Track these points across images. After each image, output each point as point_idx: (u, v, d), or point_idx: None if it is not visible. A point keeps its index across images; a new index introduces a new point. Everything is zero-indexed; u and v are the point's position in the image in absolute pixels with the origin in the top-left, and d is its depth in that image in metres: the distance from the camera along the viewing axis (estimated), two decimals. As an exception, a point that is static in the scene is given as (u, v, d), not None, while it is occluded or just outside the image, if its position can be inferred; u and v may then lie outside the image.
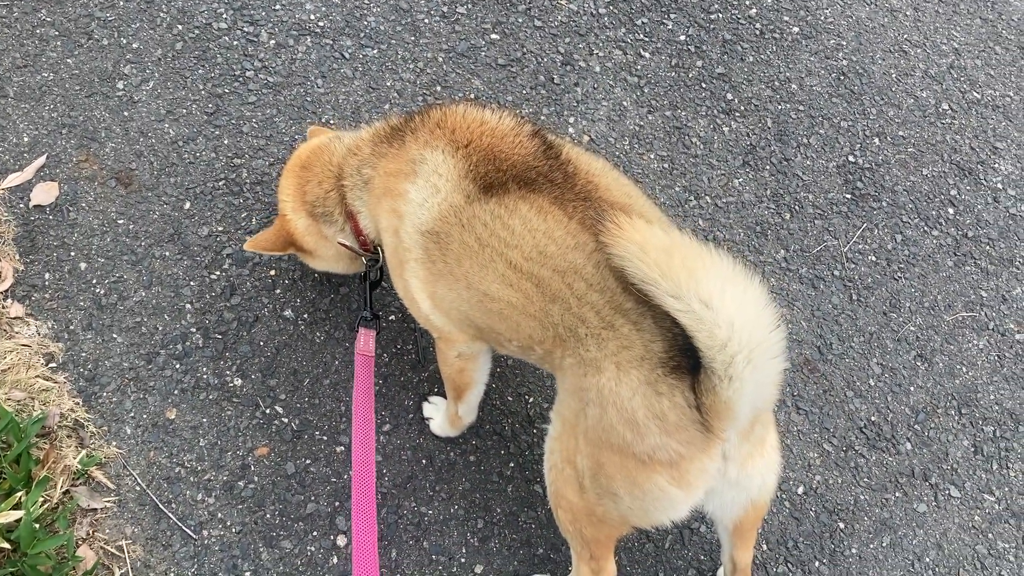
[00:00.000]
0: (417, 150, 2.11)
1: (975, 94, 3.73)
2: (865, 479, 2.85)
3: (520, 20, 3.42)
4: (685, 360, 1.83)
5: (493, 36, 3.36)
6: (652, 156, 3.26)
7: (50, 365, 2.51)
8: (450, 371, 2.41)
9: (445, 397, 2.59)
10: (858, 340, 3.09)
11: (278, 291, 2.75)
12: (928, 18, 3.88)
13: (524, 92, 3.26)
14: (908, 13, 3.87)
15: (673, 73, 3.46)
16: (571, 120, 3.26)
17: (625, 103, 3.35)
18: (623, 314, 1.89)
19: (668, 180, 3.22)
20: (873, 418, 2.95)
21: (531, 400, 2.75)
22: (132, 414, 2.50)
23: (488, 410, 2.70)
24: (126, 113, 2.91)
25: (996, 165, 3.58)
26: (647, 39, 3.51)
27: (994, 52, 3.87)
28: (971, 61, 3.81)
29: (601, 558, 2.19)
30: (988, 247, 3.39)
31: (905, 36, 3.80)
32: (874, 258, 3.26)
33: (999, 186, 3.54)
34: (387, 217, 2.18)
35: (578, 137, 3.22)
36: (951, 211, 3.43)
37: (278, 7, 3.21)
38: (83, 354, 2.55)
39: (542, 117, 3.22)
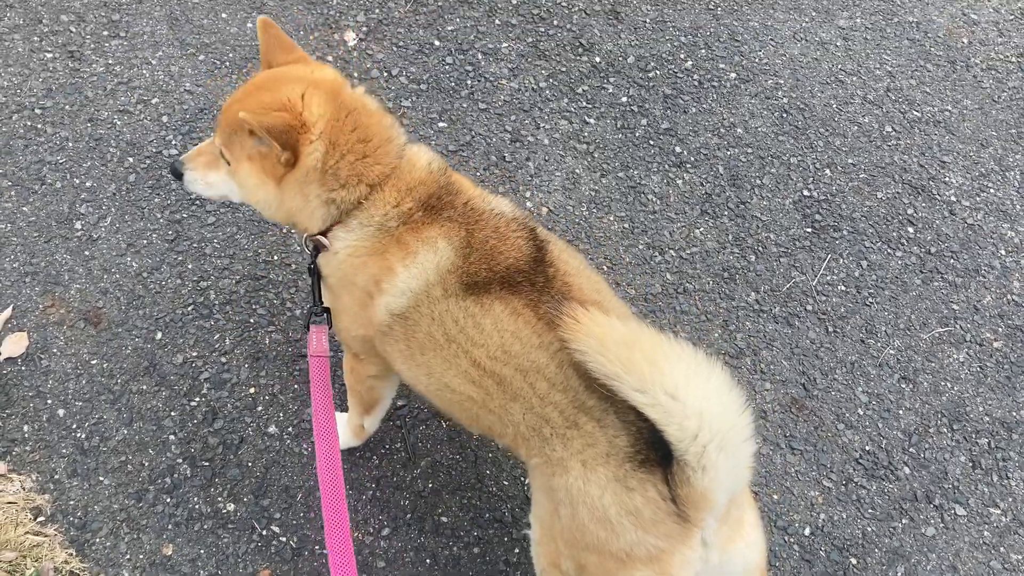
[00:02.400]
0: (436, 234, 2.06)
1: (915, 113, 3.82)
2: (870, 510, 2.85)
3: (464, 105, 3.48)
4: (653, 453, 1.84)
5: (440, 124, 3.42)
6: (611, 218, 3.30)
7: (39, 519, 2.47)
8: (360, 387, 2.42)
9: (344, 410, 2.61)
10: (841, 371, 3.10)
11: (260, 408, 2.74)
12: (858, 46, 3.98)
13: (478, 173, 3.31)
14: (839, 44, 3.97)
15: (620, 135, 3.52)
16: (527, 194, 3.30)
17: (578, 170, 3.40)
18: (586, 412, 1.89)
19: (630, 239, 3.26)
20: (868, 447, 2.96)
21: (527, 481, 2.74)
22: (128, 556, 2.46)
23: (486, 496, 2.69)
24: (87, 252, 2.92)
25: (947, 179, 3.65)
26: (590, 105, 3.58)
27: (926, 70, 3.97)
28: (906, 82, 3.91)
29: None
30: (952, 260, 3.44)
31: (839, 66, 3.90)
32: (844, 287, 3.30)
33: (953, 198, 3.60)
34: (363, 275, 2.12)
35: (536, 210, 3.26)
36: (911, 230, 3.49)
37: (226, 126, 3.25)
38: (71, 502, 2.52)
39: (498, 195, 3.26)
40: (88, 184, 3.05)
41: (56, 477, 2.55)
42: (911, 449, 2.98)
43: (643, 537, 1.84)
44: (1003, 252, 3.49)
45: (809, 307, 3.23)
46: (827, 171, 3.58)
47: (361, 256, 2.11)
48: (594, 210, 3.31)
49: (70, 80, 3.26)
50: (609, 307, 2.04)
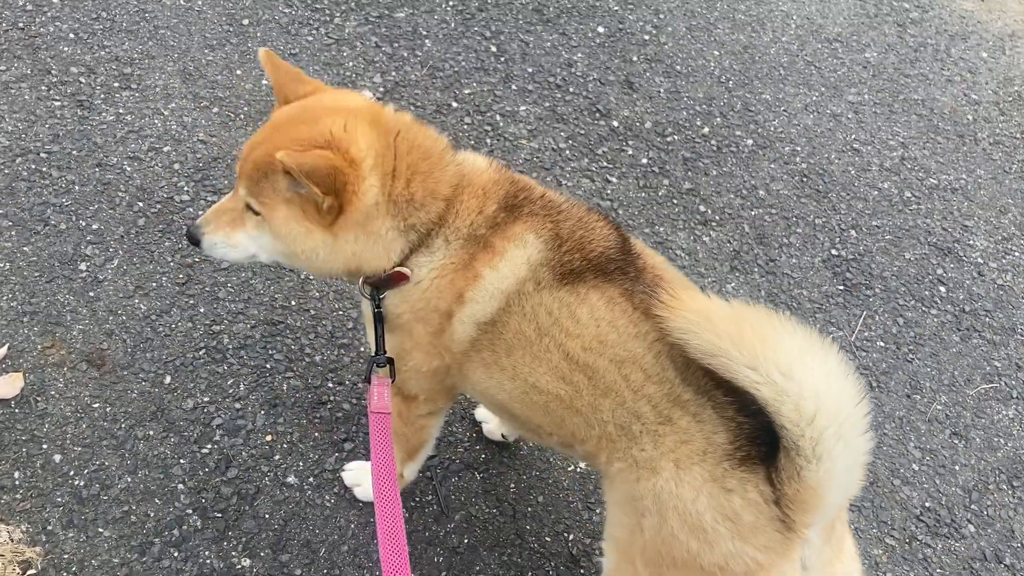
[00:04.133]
0: (522, 229, 1.88)
1: (932, 180, 3.81)
2: (938, 570, 2.63)
3: (485, 161, 3.40)
4: (755, 449, 1.66)
5: (461, 179, 3.32)
6: (641, 273, 3.18)
7: (28, 573, 2.17)
8: (408, 430, 2.17)
9: (365, 460, 2.39)
10: (890, 427, 2.94)
11: (277, 457, 2.49)
12: (869, 119, 4.02)
13: (501, 227, 3.19)
14: (850, 116, 4.00)
15: (643, 194, 3.45)
16: (553, 248, 3.18)
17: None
18: (681, 406, 1.72)
19: (662, 294, 3.13)
20: (928, 504, 2.76)
21: (571, 537, 2.49)
22: (128, 617, 2.16)
23: (527, 553, 2.43)
24: (91, 293, 2.71)
25: (971, 242, 3.61)
26: (611, 166, 3.52)
27: (937, 142, 4.00)
28: (919, 152, 3.92)
29: None
30: (988, 319, 3.35)
31: (853, 136, 3.91)
32: (883, 343, 3.18)
33: (980, 260, 3.55)
34: (448, 295, 1.90)
35: (564, 264, 3.13)
36: (943, 289, 3.41)
37: (240, 175, 3.12)
38: (65, 556, 2.22)
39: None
40: (95, 227, 2.87)
41: (49, 528, 2.26)
42: (972, 506, 2.79)
43: (740, 548, 1.63)
44: (1036, 312, 3.42)
45: (850, 362, 3.08)
46: (852, 232, 3.52)
47: (448, 275, 1.91)
48: (622, 264, 3.19)
49: (78, 127, 3.13)
50: None
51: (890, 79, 4.25)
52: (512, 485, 2.56)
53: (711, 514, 1.66)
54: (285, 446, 2.52)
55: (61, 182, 2.96)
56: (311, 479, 2.47)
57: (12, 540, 2.22)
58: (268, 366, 2.67)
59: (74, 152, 3.05)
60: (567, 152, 3.52)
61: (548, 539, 2.48)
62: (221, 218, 1.96)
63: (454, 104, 3.57)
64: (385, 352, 1.97)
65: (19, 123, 3.10)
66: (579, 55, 3.91)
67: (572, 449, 1.94)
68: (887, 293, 3.33)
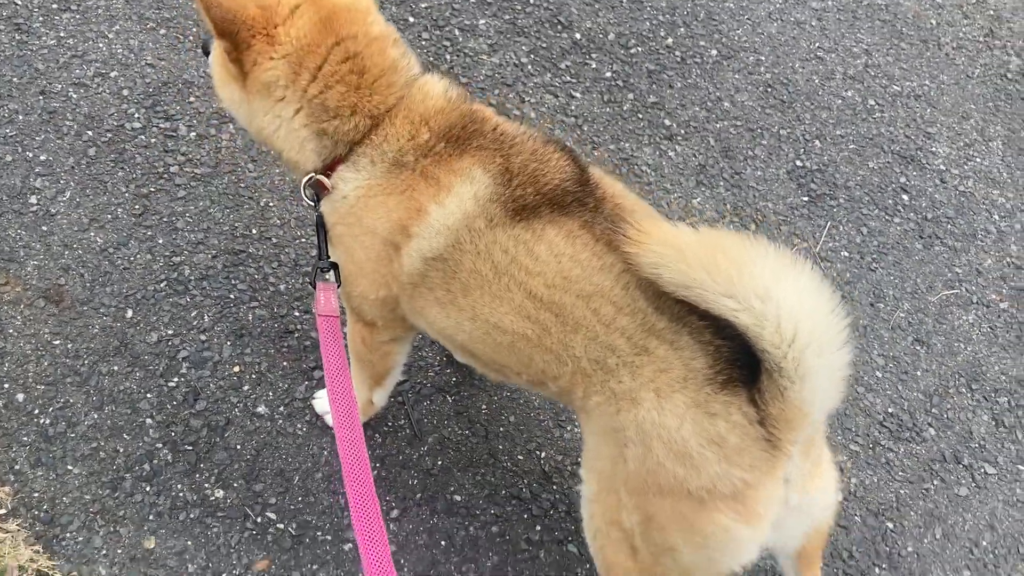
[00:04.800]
0: (468, 163, 1.86)
1: (895, 87, 3.79)
2: (900, 473, 2.70)
3: (445, 79, 3.31)
4: (736, 372, 1.66)
5: (421, 98, 3.24)
6: (606, 190, 3.15)
7: (-1, 513, 2.16)
8: (373, 356, 2.19)
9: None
10: (854, 335, 2.98)
11: (246, 387, 2.47)
12: (832, 26, 3.96)
13: (464, 147, 3.13)
14: (814, 24, 3.94)
15: (608, 108, 3.39)
16: (518, 167, 3.13)
17: (568, 143, 3.25)
18: (656, 335, 1.71)
19: (628, 210, 3.11)
20: (890, 410, 2.83)
21: (543, 454, 2.52)
22: (104, 552, 2.15)
23: (500, 472, 2.46)
24: (44, 228, 2.63)
25: (934, 149, 3.61)
26: (575, 80, 3.45)
27: (901, 48, 3.96)
28: (883, 59, 3.89)
29: None
30: (949, 226, 3.38)
31: (817, 44, 3.86)
32: (847, 253, 3.20)
33: (942, 167, 3.56)
34: (385, 222, 1.89)
35: (528, 183, 3.09)
36: (906, 197, 3.42)
37: (192, 99, 3.02)
38: (35, 494, 2.20)
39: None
40: (43, 158, 2.77)
41: (17, 467, 2.23)
42: (933, 410, 2.86)
43: (727, 469, 1.65)
44: (997, 217, 3.45)
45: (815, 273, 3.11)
46: (817, 142, 3.51)
47: (377, 196, 1.90)
48: (587, 181, 3.16)
49: (17, 52, 2.99)
50: None
51: (854, -16, 4.19)
52: (483, 406, 2.57)
53: (696, 440, 1.66)
54: (253, 376, 2.50)
55: (3, 111, 2.84)
56: (281, 408, 2.46)
57: (-20, 481, 2.19)
58: (232, 296, 2.63)
59: (15, 79, 2.92)
60: (529, 67, 3.45)
61: (520, 457, 2.51)
62: None
63: (411, 19, 3.46)
64: (328, 257, 1.97)
65: (-46, 50, 2.96)
66: (538, -35, 3.79)
67: (544, 387, 1.92)
68: (851, 203, 3.34)
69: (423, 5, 3.52)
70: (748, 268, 1.55)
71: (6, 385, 2.35)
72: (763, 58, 3.74)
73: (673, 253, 1.62)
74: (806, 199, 3.31)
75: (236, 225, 2.76)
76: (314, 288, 1.97)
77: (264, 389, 2.48)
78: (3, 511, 2.16)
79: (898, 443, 2.76)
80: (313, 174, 1.94)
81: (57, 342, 2.45)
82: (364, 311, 2.08)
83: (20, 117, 2.84)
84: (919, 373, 2.93)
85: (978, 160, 3.62)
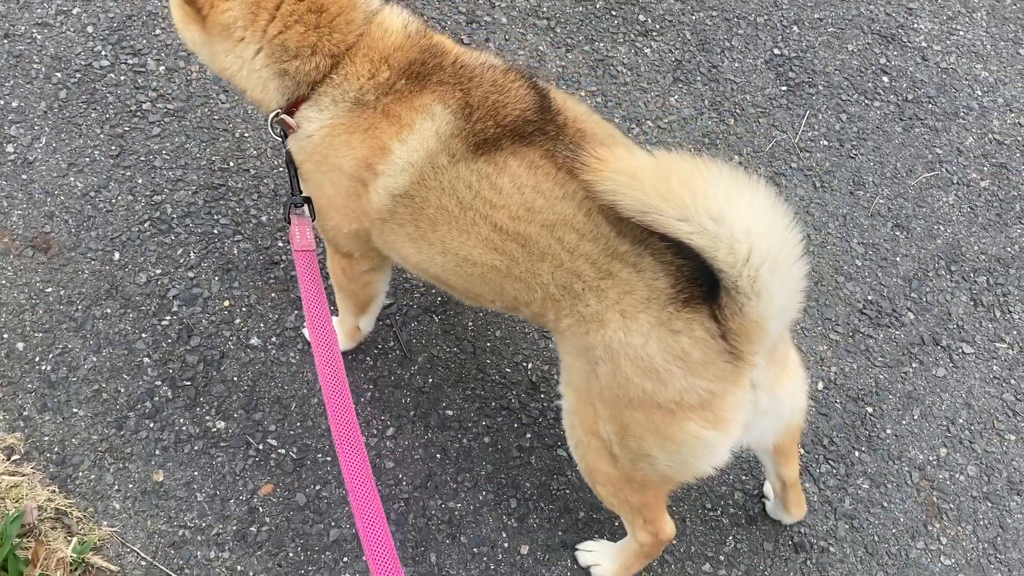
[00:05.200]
0: (428, 99, 1.88)
1: (876, -38, 3.70)
2: (879, 358, 2.78)
3: (412, -10, 3.26)
4: (697, 290, 1.71)
5: (389, 12, 3.19)
6: (583, 94, 3.14)
7: (12, 459, 2.26)
8: (354, 286, 2.27)
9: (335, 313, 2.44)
10: (834, 225, 3.01)
11: (237, 321, 2.54)
12: (811, -100, 3.83)
13: (436, 60, 3.10)
14: (791, -101, 3.81)
15: (580, 7, 3.34)
16: (491, 77, 3.11)
17: (541, 47, 3.22)
18: (619, 259, 1.76)
19: (605, 113, 3.10)
20: (870, 297, 2.88)
21: (530, 366, 2.60)
22: (116, 487, 2.27)
23: (489, 385, 2.55)
24: (24, 176, 2.66)
25: (915, 25, 3.55)
26: (545, -20, 3.38)
27: (882, -82, 3.84)
28: (863, -69, 3.78)
29: (656, 519, 2.06)
30: (930, 105, 3.35)
31: (794, -78, 3.75)
32: (826, 142, 3.19)
33: (924, 44, 3.51)
34: (350, 159, 1.93)
35: (503, 92, 3.07)
36: (886, 79, 3.39)
37: (158, 32, 2.99)
38: (45, 438, 2.31)
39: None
40: (14, 104, 2.78)
41: (25, 414, 2.34)
42: (913, 295, 2.92)
43: (693, 382, 1.73)
44: (979, 92, 3.42)
45: (794, 164, 3.12)
46: (795, 28, 3.45)
47: (341, 135, 1.92)
48: (563, 86, 3.14)
49: (-23, -4, 2.95)
50: (629, 149, 1.89)
51: None
52: (470, 324, 2.64)
53: (661, 356, 1.73)
54: (244, 309, 2.57)
55: (-30, 59, 2.83)
56: (274, 339, 2.53)
57: (-9, 429, 2.30)
58: (216, 232, 2.67)
59: (-23, 24, 2.90)
60: (498, -30, 3.37)
61: (508, 370, 2.59)
62: None
63: (374, -72, 3.37)
64: (300, 192, 2.02)
65: (-87, -2, 2.92)
66: None
67: (518, 311, 1.99)
68: (830, 89, 3.32)
69: (385, -89, 3.42)
70: (701, 191, 1.58)
71: (5, 335, 2.43)
72: (739, -59, 3.64)
73: (628, 180, 1.65)
74: (784, 88, 3.29)
75: (213, 159, 2.78)
76: (288, 224, 2.02)
77: (255, 321, 2.55)
78: (17, 456, 2.28)
79: (877, 329, 2.83)
80: (277, 112, 1.96)
81: (50, 290, 2.51)
82: (340, 243, 2.13)
83: (-13, 64, 2.83)
84: (898, 259, 2.98)
85: (961, 33, 3.56)
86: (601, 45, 3.26)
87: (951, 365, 2.80)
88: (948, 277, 2.97)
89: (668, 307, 1.73)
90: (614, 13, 3.35)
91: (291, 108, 1.96)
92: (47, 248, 2.57)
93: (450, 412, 2.50)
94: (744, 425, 1.84)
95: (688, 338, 1.72)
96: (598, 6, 3.35)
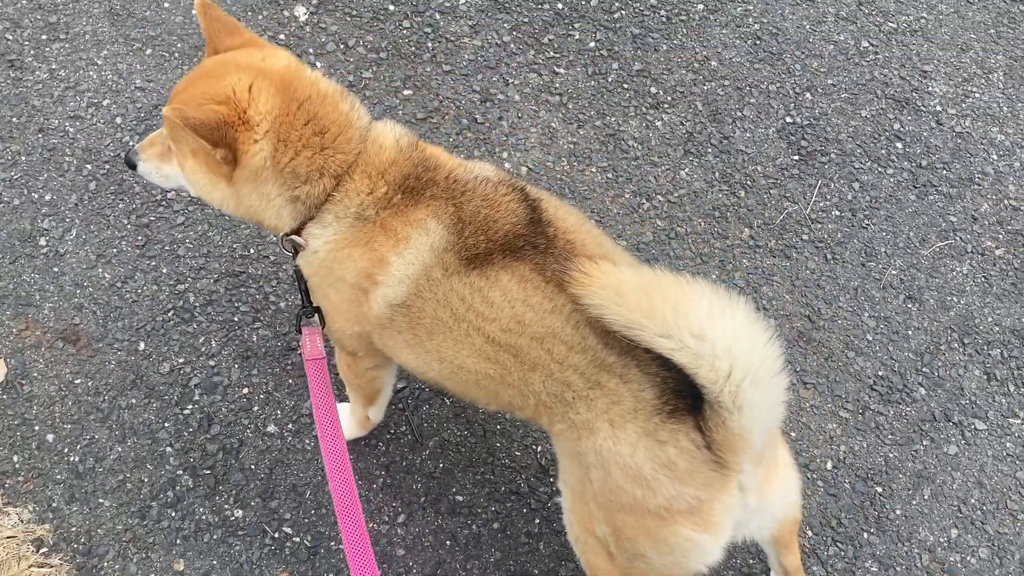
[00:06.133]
0: (423, 214, 1.96)
1: (890, 24, 3.70)
2: (889, 436, 2.79)
3: (428, 69, 3.34)
4: (681, 402, 1.77)
5: (406, 92, 3.28)
6: (593, 170, 3.20)
7: (41, 551, 2.38)
8: (360, 381, 2.35)
9: (339, 401, 2.50)
10: (845, 299, 3.03)
11: (255, 408, 2.64)
12: (825, -38, 3.86)
13: (451, 140, 3.19)
14: (804, -38, 3.84)
15: (592, 82, 3.40)
16: (504, 155, 3.18)
17: (553, 124, 3.28)
18: (607, 369, 1.82)
19: (616, 189, 3.16)
20: (880, 372, 2.89)
21: (539, 449, 2.66)
22: (139, 577, 2.38)
23: (499, 469, 2.61)
24: (56, 269, 2.80)
25: (930, 89, 3.55)
26: (558, 55, 3.45)
27: (897, -22, 3.85)
28: (877, -7, 3.79)
29: None
30: (945, 171, 3.35)
31: (807, -15, 3.78)
32: (838, 212, 3.21)
33: (938, 108, 3.51)
34: (352, 270, 2.01)
35: (515, 169, 3.15)
36: (899, 145, 3.39)
37: (183, 120, 3.11)
38: (73, 529, 2.42)
39: (474, 159, 3.14)
40: (48, 197, 2.92)
41: (54, 505, 2.45)
42: (924, 369, 2.92)
43: (681, 490, 1.78)
44: (995, 157, 3.41)
45: (805, 236, 3.14)
46: (807, 95, 3.47)
47: (344, 249, 2.00)
48: (575, 163, 3.20)
49: (14, 91, 3.11)
50: (616, 260, 1.95)
51: (848, -90, 4.04)
52: (480, 407, 2.71)
53: (649, 465, 1.79)
54: (262, 396, 2.66)
55: (7, 154, 2.98)
56: (290, 425, 2.63)
57: (22, 521, 2.42)
58: (236, 319, 2.78)
59: (14, 119, 3.05)
60: (512, 46, 3.45)
61: (518, 453, 2.65)
62: (154, 148, 2.10)
63: (391, 7, 3.48)
64: (311, 303, 2.12)
65: (-46, 95, 3.09)
66: (517, -69, 3.75)
67: (514, 413, 2.07)
68: (843, 157, 3.33)
69: (402, -10, 3.53)
70: (683, 308, 1.64)
71: (36, 427, 2.55)
72: (751, 7, 3.67)
73: (613, 295, 1.72)
74: (796, 158, 3.31)
75: (234, 246, 2.89)
76: (299, 334, 2.11)
77: (272, 408, 2.65)
78: (46, 548, 2.39)
79: (888, 406, 2.84)
80: (288, 234, 2.04)
81: (78, 381, 2.63)
82: (345, 343, 2.22)
83: (23, 158, 2.98)
84: (910, 332, 2.98)
85: (977, 96, 3.55)
86: (612, 119, 3.32)
87: (963, 442, 2.80)
88: (961, 350, 2.97)
89: (654, 417, 1.79)
90: (626, 86, 3.41)
91: (299, 227, 2.04)
92: (76, 340, 2.70)
93: (460, 497, 2.57)
94: (735, 525, 1.89)
95: (674, 448, 1.77)
96: (610, 79, 3.41)
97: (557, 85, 3.38)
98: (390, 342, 2.07)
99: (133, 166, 2.13)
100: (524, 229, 1.94)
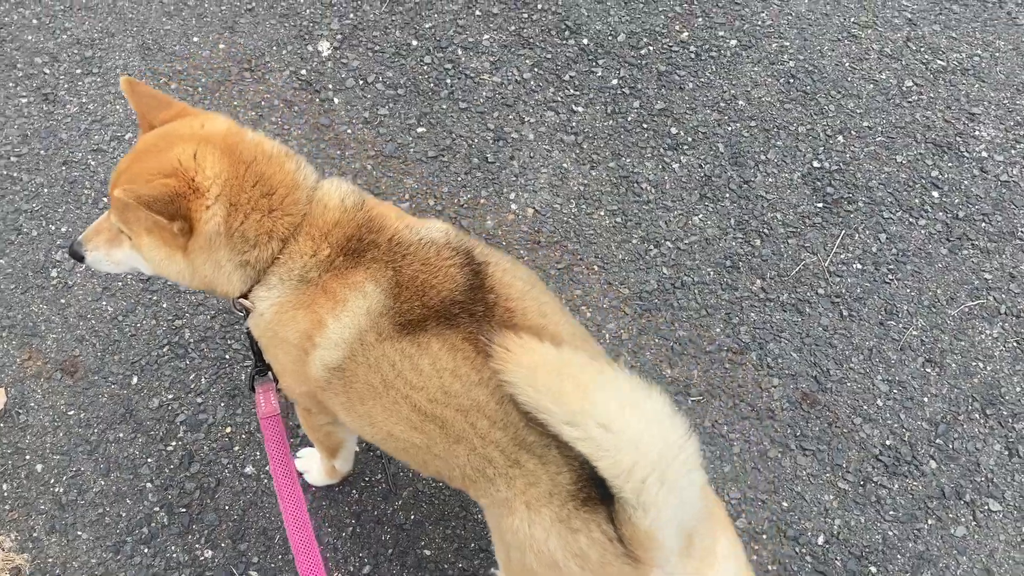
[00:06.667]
0: (362, 277, 1.93)
1: (939, 62, 3.48)
2: (891, 512, 2.61)
3: (444, 107, 3.33)
4: (595, 490, 1.69)
5: (419, 130, 3.28)
6: (602, 213, 3.11)
7: (18, 579, 2.48)
8: (318, 435, 2.34)
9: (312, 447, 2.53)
10: (857, 359, 2.86)
11: (236, 448, 2.68)
12: (873, -6, 3.66)
13: (459, 179, 3.16)
14: (850, -6, 3.65)
15: (611, 121, 3.31)
16: (512, 196, 3.14)
17: (565, 165, 3.21)
18: (527, 449, 1.76)
19: (623, 235, 3.07)
20: (888, 442, 2.72)
21: (513, 505, 2.61)
22: (107, 611, 2.45)
23: (470, 526, 2.57)
24: (63, 300, 2.90)
25: (976, 132, 3.32)
26: (578, 92, 3.38)
27: (952, 12, 3.61)
28: (928, 28, 3.56)
29: None
30: (984, 224, 3.12)
31: (852, 20, 3.58)
32: (859, 265, 3.03)
33: (984, 154, 3.27)
34: (294, 331, 2.00)
35: (522, 211, 3.10)
36: (936, 194, 3.18)
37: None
38: (50, 559, 2.51)
39: (481, 200, 3.11)
40: (64, 229, 3.03)
41: (35, 535, 2.55)
42: (938, 440, 2.72)
43: None
44: (1043, 209, 3.16)
45: (821, 291, 2.98)
46: (840, 137, 3.30)
47: (287, 311, 2.00)
48: (583, 206, 3.13)
49: (45, 124, 3.24)
50: (557, 330, 1.88)
51: (905, -62, 3.82)
52: (457, 458, 2.67)
53: (562, 552, 1.72)
54: (243, 436, 2.70)
55: (31, 186, 3.12)
56: (267, 467, 2.65)
57: (3, 549, 2.52)
58: (227, 356, 2.82)
59: (42, 152, 3.18)
60: (531, 83, 3.40)
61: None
62: (100, 236, 2.09)
63: (414, 43, 3.47)
64: (262, 362, 2.13)
65: (-9, 127, 3.25)
66: (549, -37, 3.69)
67: (446, 483, 2.03)
68: (871, 206, 3.15)
69: (427, 25, 3.52)
70: (592, 396, 1.57)
71: (27, 457, 2.66)
72: (788, 43, 3.51)
73: (526, 375, 1.66)
74: (820, 205, 3.15)
75: (234, 283, 2.94)
76: (252, 392, 2.13)
77: (252, 449, 2.68)
78: (23, 576, 2.49)
79: (893, 478, 2.66)
80: (237, 298, 2.04)
81: (72, 412, 2.73)
82: (298, 400, 2.22)
83: (45, 190, 3.11)
84: (926, 399, 2.79)
85: (1030, 141, 3.30)
86: (628, 160, 3.23)
87: (973, 523, 2.60)
88: (982, 422, 2.76)
89: (568, 503, 1.72)
90: (645, 126, 3.31)
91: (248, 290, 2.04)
92: (74, 371, 2.79)
93: (428, 552, 2.54)
94: None
95: (586, 538, 1.70)
96: (629, 119, 3.32)
97: (574, 124, 3.31)
98: (330, 403, 2.06)
99: (80, 258, 2.11)
100: (462, 295, 1.89)
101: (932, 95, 3.40)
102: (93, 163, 3.17)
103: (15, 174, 3.14)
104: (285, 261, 1.97)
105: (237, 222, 1.90)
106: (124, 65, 3.39)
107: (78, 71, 3.38)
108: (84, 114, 3.27)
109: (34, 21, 3.49)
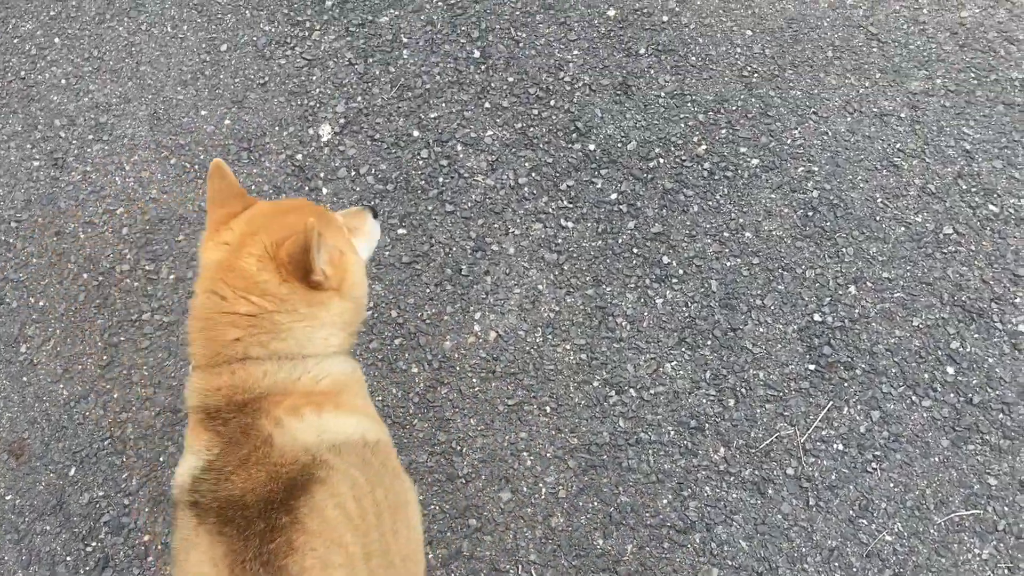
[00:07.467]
0: (207, 439, 1.89)
1: (991, 207, 3.03)
2: None
3: (430, 208, 3.19)
4: None
5: (400, 231, 3.16)
6: (568, 347, 2.91)
7: (-77, 665, 2.58)
8: None
9: None
10: (813, 560, 2.55)
11: (150, 558, 2.69)
12: (930, 117, 3.22)
13: (428, 291, 3.03)
14: (903, 115, 3.23)
15: (600, 241, 3.08)
16: (477, 316, 2.98)
17: (540, 286, 3.02)
18: None
19: (585, 374, 2.85)
20: (825, 666, 2.42)
21: None
22: None
23: None
24: (25, 378, 2.99)
25: (1018, 300, 2.87)
26: (571, 205, 3.16)
27: (1020, 146, 3.13)
28: (987, 163, 3.11)
29: None
30: (1001, 415, 2.71)
31: (898, 146, 3.17)
32: (841, 446, 2.70)
33: (1020, 328, 2.83)
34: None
35: (484, 334, 2.93)
36: (951, 370, 2.78)
37: (181, 237, 3.20)
38: (-45, 649, 2.61)
39: (445, 317, 2.97)
40: (41, 304, 3.12)
41: (-51, 620, 2.65)
42: (885, 674, 2.40)
43: None
44: (1078, 406, 2.71)
45: (790, 470, 2.68)
46: (852, 288, 2.94)
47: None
48: (550, 336, 2.93)
49: (48, 190, 3.34)
50: None
51: (985, 49, 3.34)
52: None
53: None
54: (159, 547, 2.70)
55: (23, 255, 3.22)
56: (172, 585, 2.65)
57: (-82, 631, 2.63)
58: (161, 459, 2.83)
59: (40, 219, 3.28)
60: (525, 189, 3.21)
61: None
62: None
63: (415, 133, 3.35)
64: None
65: (1, 188, 3.37)
66: (575, 52, 3.46)
67: None
68: (870, 376, 2.79)
69: (432, 115, 3.38)
70: None
71: (-41, 538, 2.76)
72: (816, 168, 3.15)
73: None
74: (812, 368, 2.82)
75: (184, 382, 2.94)
76: None
77: (164, 562, 2.68)
78: (-72, 662, 2.59)
79: None
80: None
81: (9, 497, 2.81)
82: None
83: (34, 260, 3.20)
84: (881, 621, 2.46)
85: (1082, 317, 2.84)
86: (608, 289, 2.99)
87: None
88: (941, 660, 2.41)
89: None
90: (636, 251, 3.06)
91: None
92: (20, 455, 2.87)
93: None
94: None
95: None
96: (620, 241, 3.08)
97: (560, 240, 3.10)
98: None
99: (376, 215, 2.32)
100: (256, 500, 1.78)
101: (974, 247, 2.97)
102: (82, 236, 3.23)
103: (11, 240, 3.25)
104: None
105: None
106: (132, 134, 3.43)
107: (90, 136, 3.45)
108: (85, 183, 3.35)
109: (63, 81, 3.59)
